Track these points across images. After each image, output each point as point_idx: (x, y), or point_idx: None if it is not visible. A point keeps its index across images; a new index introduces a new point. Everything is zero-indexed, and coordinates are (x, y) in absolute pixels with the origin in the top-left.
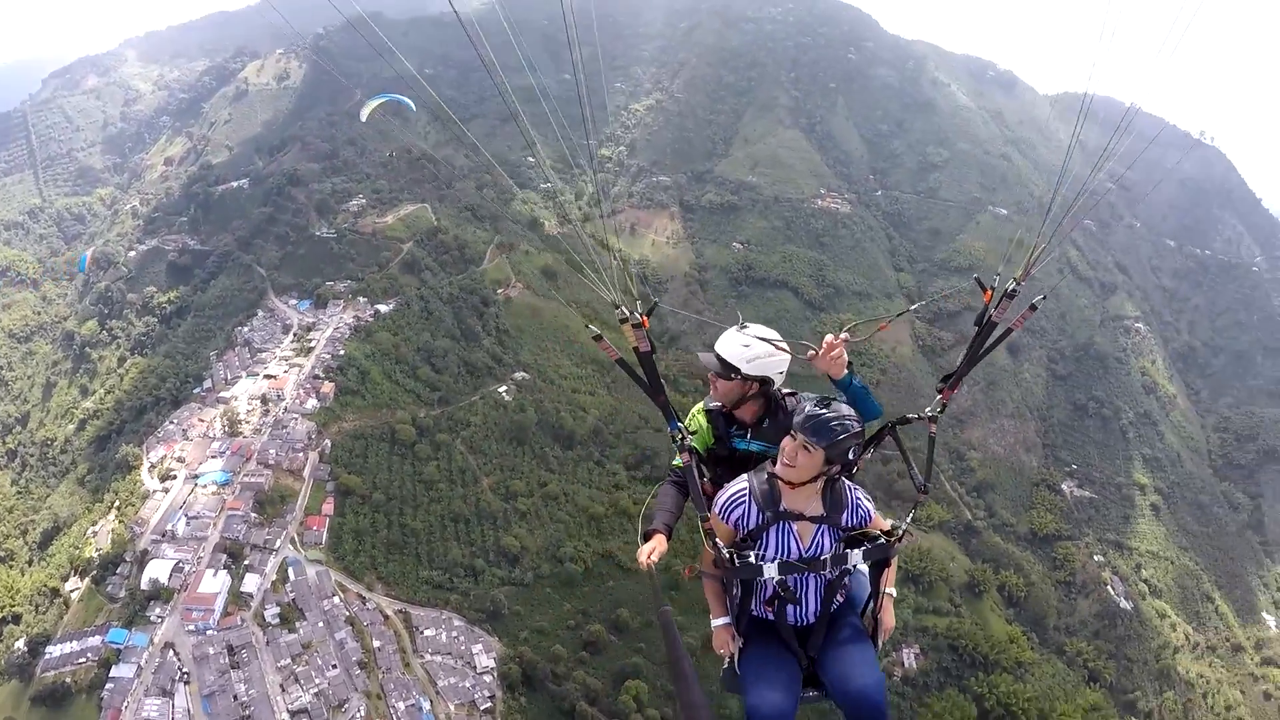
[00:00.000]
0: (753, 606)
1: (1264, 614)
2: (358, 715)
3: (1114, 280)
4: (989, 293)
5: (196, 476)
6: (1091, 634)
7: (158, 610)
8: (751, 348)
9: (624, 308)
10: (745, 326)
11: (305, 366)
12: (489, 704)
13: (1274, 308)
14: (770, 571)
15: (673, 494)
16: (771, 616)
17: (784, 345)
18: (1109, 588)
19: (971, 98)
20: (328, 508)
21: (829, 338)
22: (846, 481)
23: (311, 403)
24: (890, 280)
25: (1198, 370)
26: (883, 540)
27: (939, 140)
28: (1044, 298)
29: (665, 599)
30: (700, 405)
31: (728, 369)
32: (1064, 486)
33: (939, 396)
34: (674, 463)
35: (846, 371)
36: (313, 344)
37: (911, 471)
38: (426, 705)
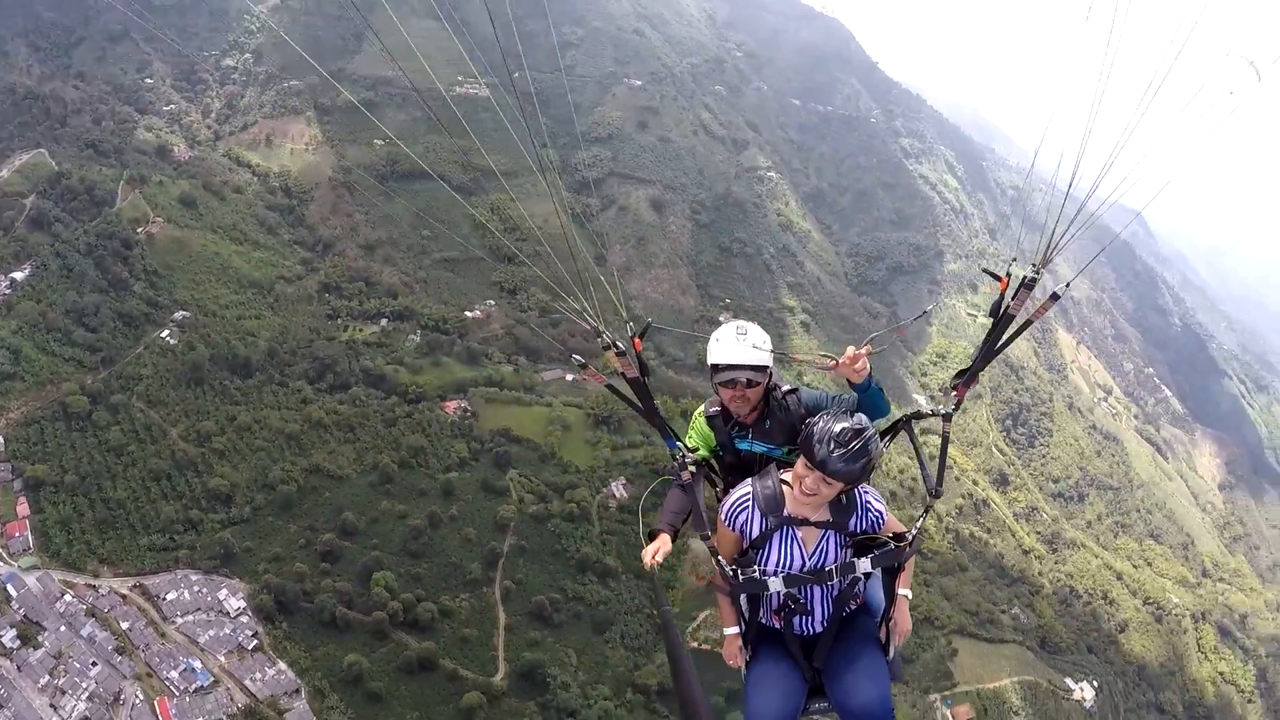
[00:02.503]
0: (761, 616)
1: (915, 395)
2: (137, 700)
3: (745, 137)
4: (1005, 281)
5: None
6: None
7: None
8: (766, 344)
9: (606, 334)
10: (746, 330)
11: None
12: (255, 642)
13: (889, 151)
14: (776, 586)
15: (679, 496)
16: (779, 626)
17: (796, 356)
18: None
19: None
20: (22, 508)
21: (851, 350)
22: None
23: None
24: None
25: (828, 208)
26: (892, 546)
27: (574, 20)
28: (1067, 286)
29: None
30: (700, 411)
31: (761, 372)
32: (721, 319)
33: (953, 393)
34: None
35: (866, 377)
36: None
37: (924, 472)
38: (198, 665)
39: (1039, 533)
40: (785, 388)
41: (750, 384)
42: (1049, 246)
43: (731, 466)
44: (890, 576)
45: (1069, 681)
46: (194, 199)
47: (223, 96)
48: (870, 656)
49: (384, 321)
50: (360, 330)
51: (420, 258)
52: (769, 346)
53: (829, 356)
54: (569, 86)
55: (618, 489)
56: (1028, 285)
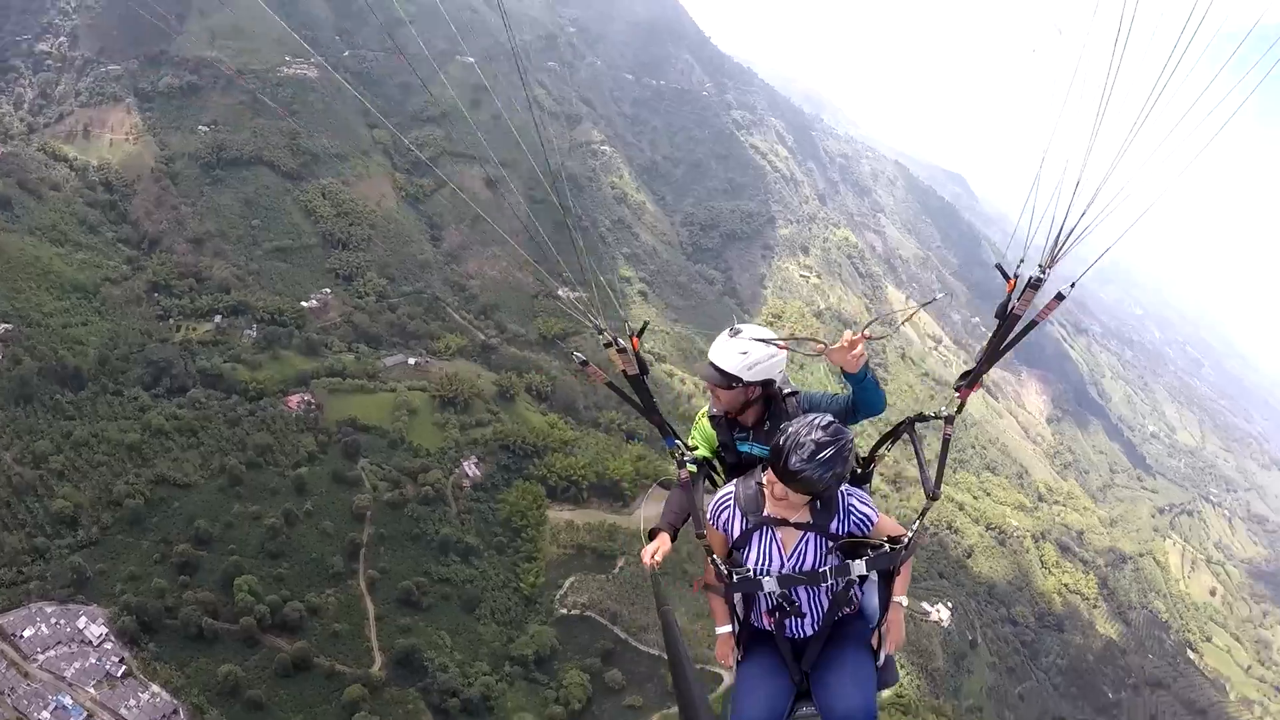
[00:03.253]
0: (753, 617)
1: None
2: None
3: (579, 112)
4: (1012, 281)
5: None
6: (616, 404)
7: None
8: (750, 354)
9: (608, 332)
10: (739, 331)
11: None
12: (123, 668)
13: (721, 124)
14: (770, 585)
15: (679, 496)
16: (771, 627)
17: (781, 343)
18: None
19: None
20: None
21: (848, 334)
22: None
23: None
24: (365, 138)
25: (662, 180)
26: (886, 549)
27: None
28: (1072, 286)
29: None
30: (703, 411)
31: (728, 379)
32: (560, 292)
33: (956, 395)
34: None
35: (863, 366)
36: None
37: (924, 474)
38: (68, 701)
39: (882, 474)
40: (787, 390)
41: (718, 385)
42: (1056, 247)
43: (733, 467)
44: (886, 581)
45: (925, 605)
46: (9, 199)
47: (36, 85)
48: (858, 662)
49: (218, 318)
50: (194, 329)
51: (251, 249)
52: (751, 356)
53: (816, 341)
54: (401, 65)
55: (470, 468)
56: (1034, 285)
